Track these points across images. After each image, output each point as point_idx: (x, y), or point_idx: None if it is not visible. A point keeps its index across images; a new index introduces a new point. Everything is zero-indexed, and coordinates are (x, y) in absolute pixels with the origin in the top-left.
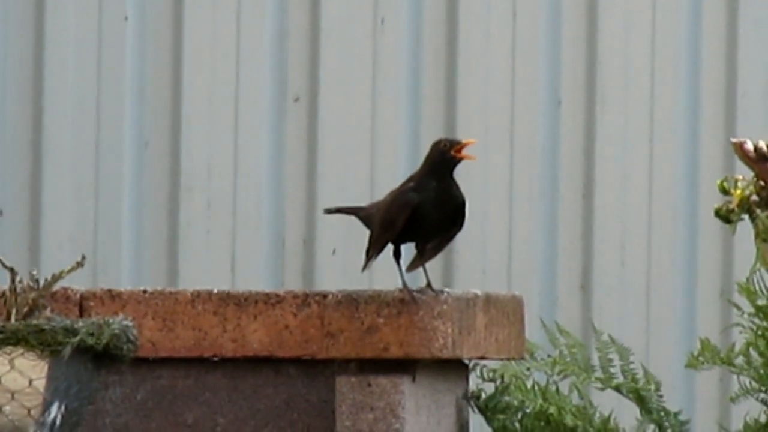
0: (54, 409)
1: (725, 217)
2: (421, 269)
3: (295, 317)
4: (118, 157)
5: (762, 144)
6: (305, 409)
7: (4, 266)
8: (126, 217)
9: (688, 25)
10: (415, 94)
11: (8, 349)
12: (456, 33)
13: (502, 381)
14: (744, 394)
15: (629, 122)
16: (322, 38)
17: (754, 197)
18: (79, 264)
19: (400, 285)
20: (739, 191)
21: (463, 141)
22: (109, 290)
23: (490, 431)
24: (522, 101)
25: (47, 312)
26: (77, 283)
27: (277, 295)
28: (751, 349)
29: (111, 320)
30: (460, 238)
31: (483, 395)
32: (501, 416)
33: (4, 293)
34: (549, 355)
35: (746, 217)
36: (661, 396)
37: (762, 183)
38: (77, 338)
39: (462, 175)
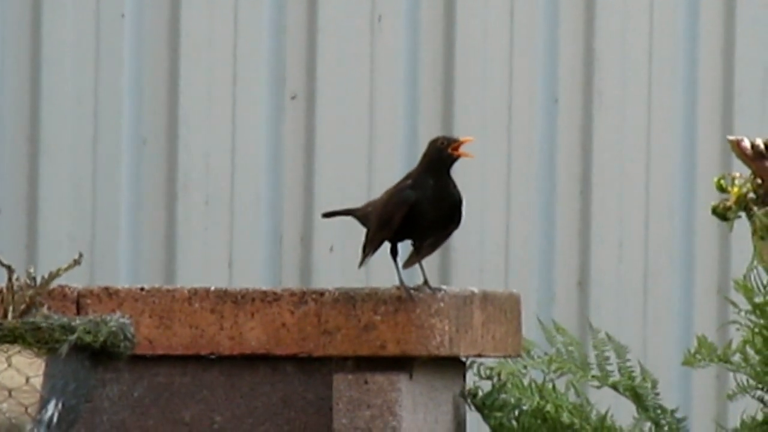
0: (51, 406)
1: (722, 214)
2: (418, 267)
3: (293, 315)
4: (116, 155)
5: (759, 142)
6: (302, 406)
7: (2, 264)
8: (123, 215)
9: (686, 23)
10: (412, 91)
11: (5, 346)
12: (453, 31)
13: (499, 379)
14: (741, 391)
15: (626, 120)
16: (319, 36)
17: (751, 195)
18: (77, 262)
19: (397, 282)
20: (736, 189)
21: (461, 139)
22: (107, 288)
23: (487, 429)
24: (519, 99)
25: (44, 310)
26: (74, 281)
27: (275, 293)
28: (748, 346)
29: (108, 318)
30: (458, 235)
31: (480, 393)
32: (498, 414)
33: (1, 291)
34: (546, 353)
35: (743, 214)
36: (657, 393)
37: (759, 180)
38: (74, 336)
39: (459, 172)
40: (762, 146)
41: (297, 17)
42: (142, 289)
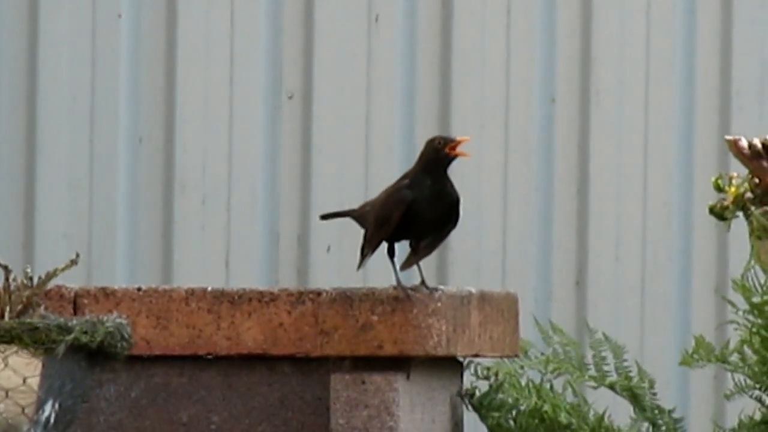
0: (48, 407)
1: (720, 214)
2: (415, 267)
3: (290, 315)
4: (113, 154)
5: (756, 141)
6: (300, 406)
7: None
8: (120, 214)
9: (683, 22)
10: (409, 90)
11: (2, 347)
12: (450, 30)
13: (497, 378)
14: (738, 391)
15: (624, 119)
16: (316, 35)
17: (749, 194)
18: (74, 262)
19: (394, 282)
20: (733, 188)
21: (458, 138)
22: (103, 288)
23: (485, 429)
24: (516, 98)
25: (41, 310)
26: (71, 281)
27: (272, 293)
28: (745, 346)
29: (105, 318)
30: (455, 235)
31: (477, 393)
32: (495, 414)
33: None
34: (543, 353)
35: (741, 214)
36: (655, 394)
37: (756, 180)
38: (71, 336)
39: (456, 172)
40: (759, 146)
41: (294, 17)
42: (139, 289)
